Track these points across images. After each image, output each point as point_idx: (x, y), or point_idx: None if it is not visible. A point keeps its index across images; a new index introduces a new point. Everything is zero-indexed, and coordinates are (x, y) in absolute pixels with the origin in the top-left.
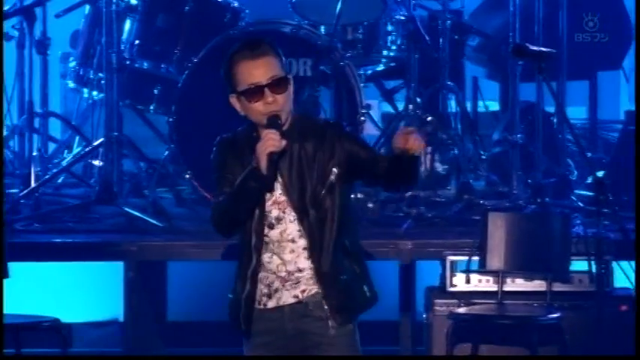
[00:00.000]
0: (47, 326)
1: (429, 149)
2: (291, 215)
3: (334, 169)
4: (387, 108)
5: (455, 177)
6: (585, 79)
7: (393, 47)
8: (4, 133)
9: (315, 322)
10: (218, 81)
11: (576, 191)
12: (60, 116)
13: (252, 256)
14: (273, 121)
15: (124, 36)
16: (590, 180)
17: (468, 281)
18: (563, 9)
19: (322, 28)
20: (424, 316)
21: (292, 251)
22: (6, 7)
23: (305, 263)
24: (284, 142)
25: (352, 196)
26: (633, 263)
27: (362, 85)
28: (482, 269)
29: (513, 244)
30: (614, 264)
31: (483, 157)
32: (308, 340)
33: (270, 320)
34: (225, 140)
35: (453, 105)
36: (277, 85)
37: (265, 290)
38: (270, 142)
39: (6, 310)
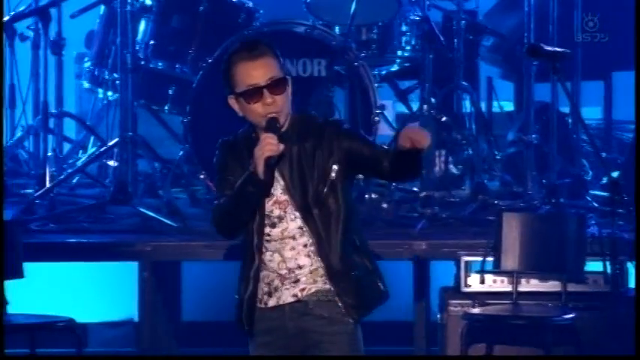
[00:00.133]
0: (62, 326)
1: (444, 151)
2: (292, 214)
3: (334, 167)
4: (402, 108)
5: (469, 177)
6: (600, 79)
7: (408, 47)
8: (19, 133)
9: (316, 320)
10: None
11: (591, 191)
12: (75, 116)
13: (254, 257)
14: (272, 124)
15: (139, 36)
16: (604, 180)
17: (482, 282)
18: (577, 9)
19: (337, 29)
20: (438, 316)
21: (293, 248)
22: (21, 8)
23: (305, 260)
24: (282, 147)
25: (366, 196)
26: None
27: (376, 85)
28: (497, 270)
29: (528, 244)
30: (629, 264)
31: (498, 157)
32: (309, 338)
33: (271, 319)
34: (226, 143)
35: (467, 105)
36: (276, 86)
37: (266, 289)
38: (268, 146)
39: (21, 310)
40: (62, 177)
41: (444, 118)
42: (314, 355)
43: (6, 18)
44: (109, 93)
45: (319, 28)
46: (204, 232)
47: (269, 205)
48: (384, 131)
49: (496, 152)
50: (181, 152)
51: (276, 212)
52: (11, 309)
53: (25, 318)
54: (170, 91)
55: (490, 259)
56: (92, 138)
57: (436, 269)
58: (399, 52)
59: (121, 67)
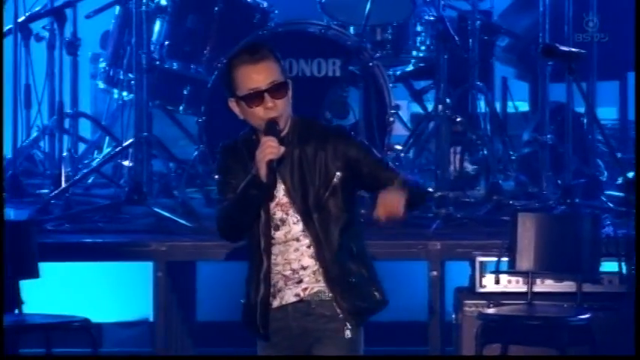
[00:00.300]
0: (77, 326)
1: (459, 149)
2: (294, 217)
3: (337, 173)
4: (417, 108)
5: (484, 177)
6: (615, 79)
7: (423, 48)
8: (35, 133)
9: (318, 319)
10: None
11: (606, 192)
12: (90, 117)
13: (262, 259)
14: (272, 127)
15: (154, 37)
16: (620, 180)
17: (497, 282)
18: (593, 9)
19: (351, 29)
20: (453, 316)
21: (296, 250)
22: (37, 8)
23: (309, 261)
24: (282, 149)
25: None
26: None
27: (391, 85)
28: (512, 270)
29: (543, 244)
30: None
31: (513, 157)
32: (311, 336)
33: (275, 320)
34: (227, 146)
35: (482, 105)
36: (277, 90)
37: (271, 290)
38: (269, 149)
39: (36, 310)
40: (77, 177)
41: (458, 119)
42: (315, 355)
43: (21, 18)
44: (124, 93)
45: (334, 29)
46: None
47: (272, 206)
48: (399, 131)
49: (511, 152)
50: (196, 152)
51: (279, 214)
52: (27, 309)
53: (40, 318)
54: (185, 92)
55: (505, 259)
56: (107, 138)
57: (451, 269)
58: (414, 53)
59: (136, 67)
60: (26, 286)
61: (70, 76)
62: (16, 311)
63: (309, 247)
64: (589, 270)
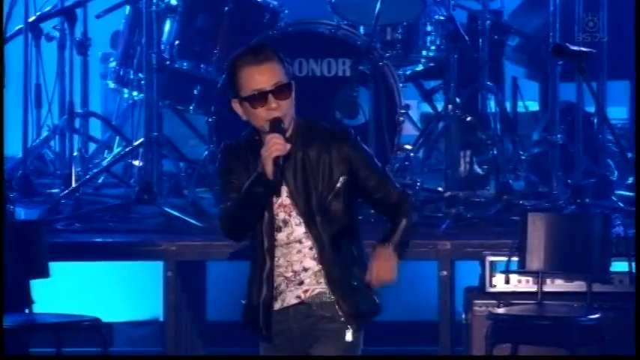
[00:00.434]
0: (88, 325)
1: (468, 151)
2: (296, 218)
3: (342, 177)
4: (426, 108)
5: (494, 177)
6: (626, 79)
7: (433, 47)
8: (45, 133)
9: (319, 320)
10: None
11: (617, 192)
12: (100, 116)
13: (265, 259)
14: (277, 125)
15: (164, 36)
16: (630, 180)
17: (507, 282)
18: (603, 9)
19: (361, 29)
20: (463, 316)
21: (299, 252)
22: (47, 8)
23: (310, 263)
24: (288, 146)
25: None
26: None
27: (401, 85)
28: (522, 270)
29: (553, 244)
30: None
31: (523, 157)
32: (311, 337)
33: (277, 322)
34: (229, 146)
35: (492, 105)
36: (281, 91)
37: (273, 292)
38: (275, 146)
39: (47, 310)
40: (88, 177)
41: (468, 118)
42: (315, 356)
43: (32, 18)
44: (135, 93)
45: (344, 28)
46: None
47: (275, 207)
48: (409, 131)
49: (521, 152)
50: (206, 152)
51: (281, 216)
52: (37, 308)
53: (51, 317)
54: (195, 91)
55: (515, 259)
56: (117, 138)
57: (461, 269)
58: (424, 52)
59: (146, 67)
60: (36, 286)
61: (81, 75)
62: (27, 311)
63: (311, 249)
64: (599, 270)
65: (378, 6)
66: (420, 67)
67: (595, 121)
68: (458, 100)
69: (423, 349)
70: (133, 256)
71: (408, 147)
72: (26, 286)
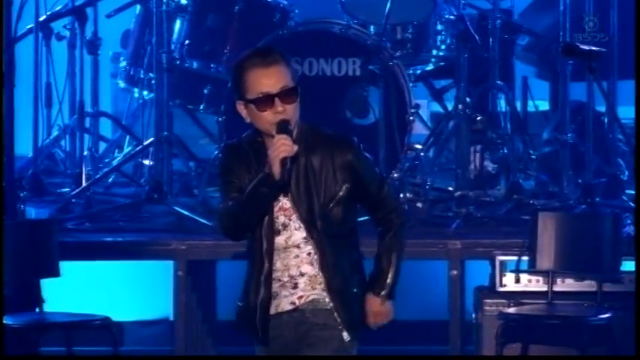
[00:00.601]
0: (98, 325)
1: (479, 148)
2: (296, 223)
3: (345, 186)
4: (437, 108)
5: (504, 177)
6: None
7: (443, 47)
8: (55, 132)
9: (312, 327)
10: None
11: (627, 191)
12: (110, 116)
13: (264, 261)
14: (284, 127)
15: (174, 36)
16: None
17: (517, 281)
18: (614, 8)
19: (371, 28)
20: (473, 316)
21: (297, 256)
22: (58, 7)
23: (307, 268)
24: (296, 147)
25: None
26: None
27: (411, 84)
28: (532, 269)
29: (563, 244)
30: None
31: (533, 156)
32: (304, 344)
33: (271, 327)
34: (230, 146)
35: (502, 104)
36: (288, 95)
37: (270, 295)
38: (283, 147)
39: (57, 309)
40: (98, 176)
41: (479, 118)
42: (316, 356)
43: (42, 17)
44: (145, 92)
45: (354, 28)
46: None
47: (275, 211)
48: (419, 130)
49: (531, 152)
50: (216, 151)
51: (281, 219)
52: (47, 307)
53: (61, 316)
54: (205, 91)
55: (525, 258)
56: (128, 137)
57: (471, 269)
58: (434, 52)
59: (156, 66)
60: (47, 285)
61: (91, 75)
62: (37, 310)
63: (309, 254)
64: (609, 269)
65: (389, 5)
66: (430, 67)
67: (605, 120)
68: (468, 99)
69: (433, 348)
70: (144, 255)
71: (419, 146)
72: (36, 286)
